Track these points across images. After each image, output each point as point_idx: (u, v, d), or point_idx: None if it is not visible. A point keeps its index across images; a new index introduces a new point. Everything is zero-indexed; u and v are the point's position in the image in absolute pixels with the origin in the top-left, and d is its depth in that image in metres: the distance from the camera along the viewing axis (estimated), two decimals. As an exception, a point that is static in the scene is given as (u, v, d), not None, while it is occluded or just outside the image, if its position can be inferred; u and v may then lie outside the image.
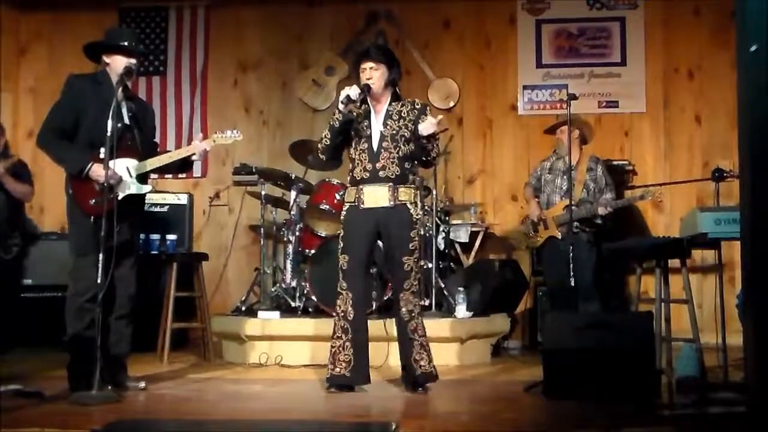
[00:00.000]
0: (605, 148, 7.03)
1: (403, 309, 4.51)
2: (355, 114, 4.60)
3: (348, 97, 4.48)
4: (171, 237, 6.86)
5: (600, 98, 7.34)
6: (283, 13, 7.68)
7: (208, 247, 7.25)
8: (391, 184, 4.49)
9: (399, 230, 4.50)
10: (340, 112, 4.53)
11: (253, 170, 6.91)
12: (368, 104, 4.62)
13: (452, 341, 5.75)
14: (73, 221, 4.52)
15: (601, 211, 6.00)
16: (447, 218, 6.89)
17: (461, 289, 6.06)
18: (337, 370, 4.52)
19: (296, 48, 7.67)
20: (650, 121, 7.31)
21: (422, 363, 4.52)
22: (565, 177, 6.03)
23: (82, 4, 7.67)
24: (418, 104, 4.62)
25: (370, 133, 4.56)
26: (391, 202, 4.49)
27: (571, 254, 5.54)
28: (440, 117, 4.53)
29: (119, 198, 4.44)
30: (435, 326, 5.75)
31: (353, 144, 4.61)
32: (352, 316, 4.53)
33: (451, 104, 7.51)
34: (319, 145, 4.71)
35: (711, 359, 4.85)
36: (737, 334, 4.01)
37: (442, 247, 6.57)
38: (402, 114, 4.57)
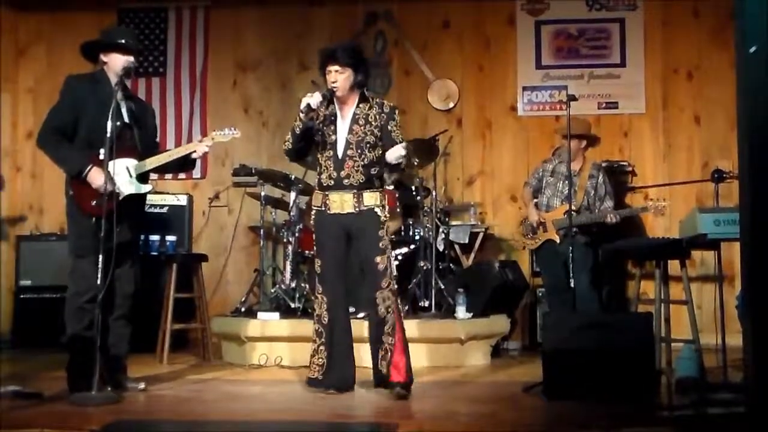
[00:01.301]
0: (604, 149, 7.04)
1: (380, 306, 4.44)
2: (316, 122, 4.52)
3: (308, 105, 4.43)
4: (170, 238, 6.87)
5: (599, 99, 7.33)
6: (283, 13, 7.68)
7: (207, 247, 7.25)
8: (355, 191, 4.47)
9: (367, 231, 4.48)
10: (300, 120, 4.48)
11: (253, 171, 6.91)
12: (335, 106, 4.56)
13: (452, 342, 5.74)
14: (73, 222, 4.52)
15: (610, 219, 5.97)
16: (446, 219, 6.89)
17: (461, 290, 6.05)
18: (312, 373, 4.57)
19: (295, 49, 7.66)
20: (650, 122, 7.31)
21: (384, 363, 4.44)
22: (566, 182, 6.03)
23: (81, 4, 7.66)
24: (386, 107, 4.56)
25: (336, 139, 4.52)
26: (356, 209, 4.47)
27: (570, 256, 5.54)
28: (404, 144, 4.42)
29: (119, 198, 4.44)
30: (434, 327, 5.77)
31: (320, 149, 4.57)
32: (326, 319, 4.54)
33: (451, 105, 7.51)
34: (283, 146, 4.71)
35: (710, 360, 4.85)
36: (737, 334, 4.02)
37: (441, 248, 6.57)
38: (369, 118, 4.51)
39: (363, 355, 4.75)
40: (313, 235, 4.66)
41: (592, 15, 7.42)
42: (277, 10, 7.68)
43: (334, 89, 4.46)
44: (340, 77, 4.45)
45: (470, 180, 7.46)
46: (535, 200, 6.36)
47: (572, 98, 5.49)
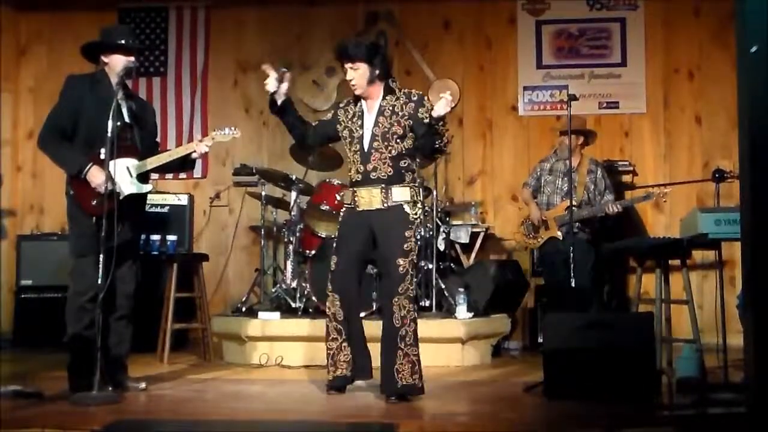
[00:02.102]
0: (605, 149, 7.04)
1: (396, 315, 4.25)
2: (279, 102, 4.51)
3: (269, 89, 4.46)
4: (171, 237, 6.86)
5: (600, 99, 7.33)
6: (283, 13, 7.68)
7: (208, 247, 7.25)
8: (383, 185, 4.32)
9: (393, 230, 4.30)
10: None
11: (254, 171, 6.92)
12: (362, 102, 4.44)
13: (453, 342, 5.74)
14: (74, 221, 4.51)
15: (611, 208, 5.96)
16: (447, 219, 6.89)
17: (461, 289, 6.05)
18: (339, 371, 4.43)
19: (296, 48, 7.66)
20: (650, 122, 7.31)
21: (404, 374, 4.25)
22: (565, 178, 6.03)
23: (81, 4, 7.66)
24: (414, 96, 4.39)
25: (362, 133, 4.38)
26: (385, 204, 4.31)
27: (571, 255, 5.53)
28: (449, 92, 4.29)
29: (120, 198, 4.44)
30: (435, 327, 5.76)
31: (347, 144, 4.46)
32: (341, 317, 4.41)
33: (452, 105, 7.48)
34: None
35: (711, 360, 4.86)
36: (738, 334, 4.03)
37: (442, 247, 6.56)
38: (395, 109, 4.35)
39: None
40: (338, 231, 4.52)
41: (593, 15, 7.42)
42: (277, 10, 7.69)
43: (353, 87, 4.38)
44: (355, 74, 4.34)
45: (471, 180, 7.46)
46: (535, 199, 6.35)
47: (573, 98, 5.49)
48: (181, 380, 5.11)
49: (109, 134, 4.27)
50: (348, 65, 4.36)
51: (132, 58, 4.56)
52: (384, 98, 4.40)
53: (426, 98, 4.42)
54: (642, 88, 7.32)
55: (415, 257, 4.35)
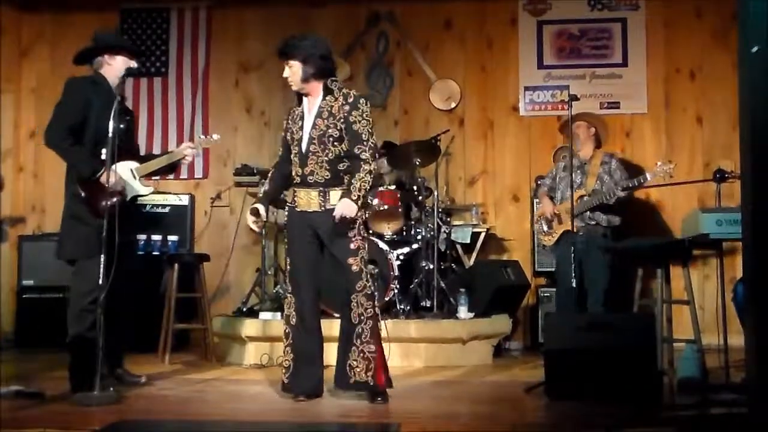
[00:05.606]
0: (606, 149, 7.00)
1: (354, 312, 4.27)
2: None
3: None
4: (172, 238, 6.88)
5: (601, 99, 7.33)
6: (285, 13, 7.67)
7: (209, 247, 7.25)
8: (321, 188, 4.32)
9: (335, 233, 4.28)
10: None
11: (255, 171, 6.93)
12: (304, 102, 4.43)
13: (454, 342, 5.75)
14: (81, 223, 4.52)
15: (616, 191, 5.83)
16: (448, 219, 6.89)
17: (463, 290, 6.05)
18: (285, 376, 4.40)
19: (297, 49, 7.65)
20: (651, 122, 7.31)
21: (358, 370, 4.27)
22: (578, 171, 5.98)
23: (83, 4, 7.66)
24: (350, 97, 4.34)
25: (301, 135, 4.37)
26: (322, 207, 4.31)
27: (575, 254, 5.39)
28: (345, 212, 4.20)
29: (127, 199, 4.48)
30: (436, 327, 5.78)
31: (291, 146, 4.45)
32: (294, 320, 4.37)
33: (453, 105, 7.51)
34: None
35: (712, 360, 4.86)
36: (739, 334, 4.02)
37: (443, 248, 6.56)
38: (332, 110, 4.32)
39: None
40: (286, 232, 4.52)
41: (594, 15, 7.42)
42: (278, 11, 7.68)
43: (290, 84, 4.39)
44: (290, 72, 4.36)
45: (472, 180, 7.46)
46: (552, 198, 6.27)
47: (574, 98, 5.47)
48: (182, 380, 5.11)
49: (110, 135, 4.29)
50: (284, 62, 4.38)
51: (134, 61, 4.62)
52: (324, 99, 4.38)
53: (361, 101, 4.36)
54: (643, 89, 7.32)
55: (365, 254, 4.36)
